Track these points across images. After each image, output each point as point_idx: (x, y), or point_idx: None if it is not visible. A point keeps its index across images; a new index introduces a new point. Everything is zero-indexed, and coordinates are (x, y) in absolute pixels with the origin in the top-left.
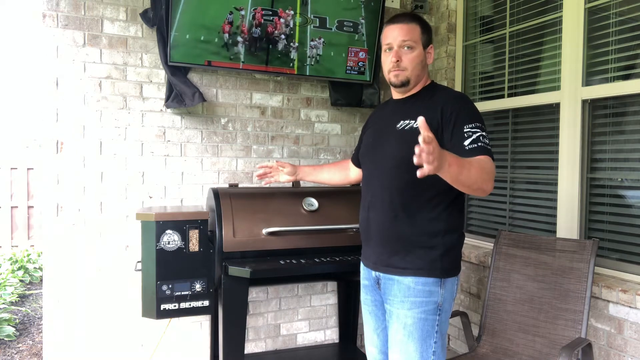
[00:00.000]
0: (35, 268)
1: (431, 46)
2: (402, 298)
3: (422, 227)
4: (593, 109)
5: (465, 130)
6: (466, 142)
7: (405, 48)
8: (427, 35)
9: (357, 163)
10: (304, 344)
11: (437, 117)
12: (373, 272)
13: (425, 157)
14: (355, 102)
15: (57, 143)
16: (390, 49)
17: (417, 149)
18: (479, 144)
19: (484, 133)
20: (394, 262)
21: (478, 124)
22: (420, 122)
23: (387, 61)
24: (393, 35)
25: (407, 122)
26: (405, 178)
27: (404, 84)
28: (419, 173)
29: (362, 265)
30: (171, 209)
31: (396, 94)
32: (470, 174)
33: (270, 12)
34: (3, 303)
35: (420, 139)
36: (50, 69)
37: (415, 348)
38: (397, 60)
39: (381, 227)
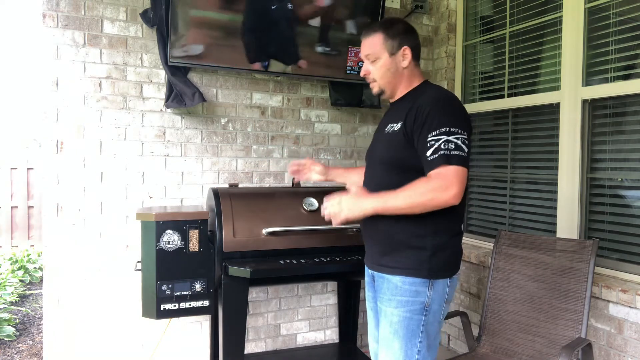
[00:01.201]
0: (35, 268)
1: (404, 48)
2: (390, 296)
3: (410, 228)
4: (593, 109)
5: (428, 139)
6: (428, 153)
7: (370, 61)
8: (394, 39)
9: None
10: (304, 344)
11: (411, 120)
12: (369, 270)
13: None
14: (355, 102)
15: (57, 143)
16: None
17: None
18: (440, 152)
19: (451, 137)
20: (385, 261)
21: (444, 129)
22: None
23: None
24: (361, 51)
25: (391, 125)
26: (393, 179)
27: (380, 94)
28: (334, 221)
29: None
30: (171, 209)
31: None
32: (398, 207)
33: None
34: (3, 303)
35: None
36: (50, 69)
37: (400, 346)
38: (365, 74)
39: (374, 227)
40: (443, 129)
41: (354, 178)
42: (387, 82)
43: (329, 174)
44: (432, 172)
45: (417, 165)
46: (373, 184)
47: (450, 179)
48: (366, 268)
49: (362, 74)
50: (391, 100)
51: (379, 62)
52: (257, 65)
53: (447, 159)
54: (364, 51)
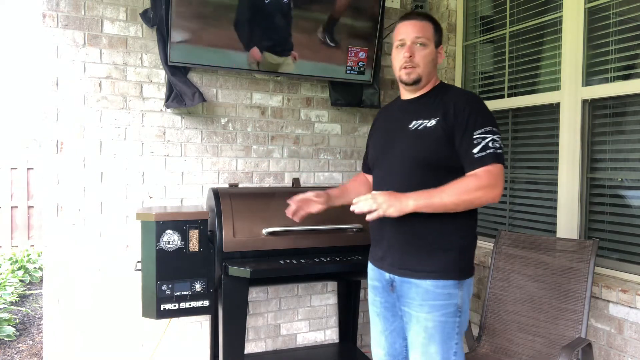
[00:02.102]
0: (35, 268)
1: (441, 47)
2: (420, 301)
3: (438, 228)
4: (593, 109)
5: (474, 137)
6: (475, 150)
7: (418, 45)
8: (439, 35)
9: (368, 170)
10: (304, 344)
11: (450, 117)
12: (387, 274)
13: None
14: (355, 102)
15: (57, 143)
16: (402, 45)
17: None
18: (488, 150)
19: (494, 137)
20: (411, 264)
21: (488, 128)
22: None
23: (398, 57)
24: (406, 31)
25: (420, 121)
26: (421, 179)
27: (416, 82)
28: (368, 216)
29: (371, 266)
30: (171, 209)
31: (406, 94)
32: (445, 203)
33: None
34: (3, 303)
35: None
36: (50, 69)
37: (437, 350)
38: (410, 56)
39: (397, 229)
40: (488, 128)
41: (352, 195)
42: (428, 72)
43: (329, 200)
44: (481, 170)
45: (452, 165)
46: (393, 187)
47: (498, 177)
48: (376, 271)
49: (406, 54)
50: (405, 97)
51: (427, 49)
52: (257, 56)
53: (496, 158)
54: (415, 32)
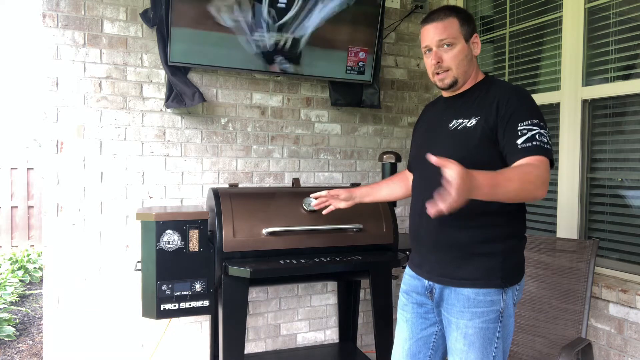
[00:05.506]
0: (35, 268)
1: (476, 35)
2: (460, 308)
3: (479, 233)
4: (593, 109)
5: (519, 127)
6: (519, 141)
7: (445, 46)
8: (468, 25)
9: (411, 168)
10: (304, 344)
11: (493, 113)
12: (425, 281)
13: (449, 199)
14: (355, 102)
15: (57, 143)
16: (429, 50)
17: (437, 195)
18: (534, 142)
19: (541, 131)
20: (450, 272)
21: (535, 121)
22: (435, 161)
23: (428, 64)
24: (429, 36)
25: (460, 121)
26: None
27: (452, 86)
28: (432, 211)
29: (408, 271)
30: (171, 209)
31: (446, 93)
32: (508, 190)
33: None
34: (3, 303)
35: (444, 178)
36: (50, 69)
37: (476, 356)
38: (438, 62)
39: (435, 235)
40: (535, 121)
41: (383, 192)
42: (464, 72)
43: (355, 198)
44: (534, 159)
45: (494, 169)
46: (432, 189)
47: (547, 172)
48: (414, 278)
49: (433, 62)
50: (446, 95)
51: (455, 48)
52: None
53: (544, 151)
54: (437, 36)
